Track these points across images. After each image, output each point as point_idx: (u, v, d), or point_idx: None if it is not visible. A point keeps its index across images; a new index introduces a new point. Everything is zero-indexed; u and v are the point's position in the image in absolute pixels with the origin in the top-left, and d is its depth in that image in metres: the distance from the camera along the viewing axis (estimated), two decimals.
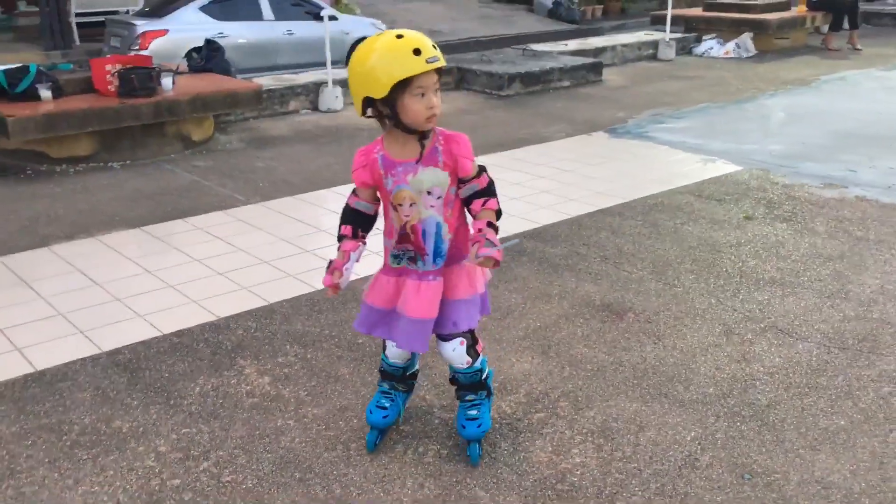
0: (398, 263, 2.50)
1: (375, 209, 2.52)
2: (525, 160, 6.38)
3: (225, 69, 7.60)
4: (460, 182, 2.42)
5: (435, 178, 2.38)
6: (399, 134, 2.36)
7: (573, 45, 11.03)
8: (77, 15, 12.49)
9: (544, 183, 5.78)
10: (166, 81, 6.44)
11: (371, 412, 2.74)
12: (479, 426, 2.66)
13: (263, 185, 5.77)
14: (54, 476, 2.64)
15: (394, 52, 2.21)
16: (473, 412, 2.67)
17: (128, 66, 6.34)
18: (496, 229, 2.37)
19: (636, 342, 3.50)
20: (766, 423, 2.92)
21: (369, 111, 2.35)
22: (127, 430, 2.89)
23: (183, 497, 2.55)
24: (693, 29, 12.22)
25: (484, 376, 2.69)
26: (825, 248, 4.54)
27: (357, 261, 2.47)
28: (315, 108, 8.18)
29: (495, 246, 2.29)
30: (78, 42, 12.25)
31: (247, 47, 9.78)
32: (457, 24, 16.79)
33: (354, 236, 2.49)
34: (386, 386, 2.79)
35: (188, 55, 8.18)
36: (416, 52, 2.20)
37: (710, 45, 11.65)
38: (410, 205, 2.41)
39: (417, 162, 2.36)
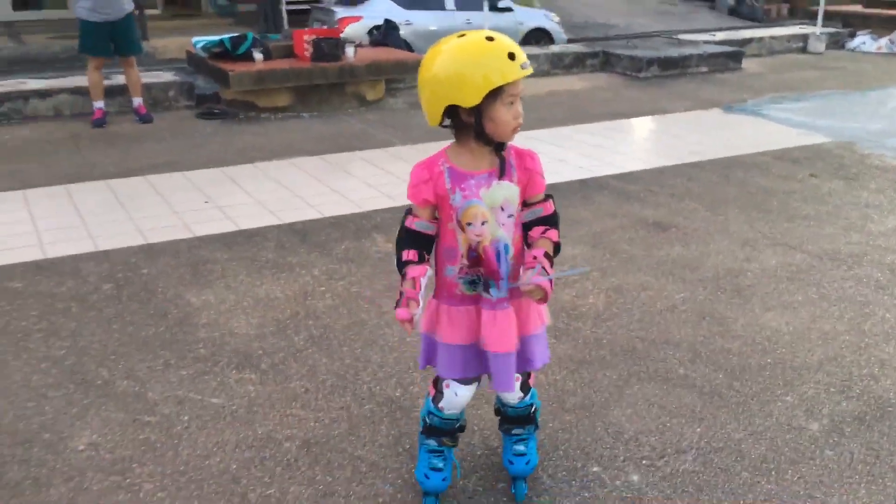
0: (474, 290, 2.23)
1: (435, 230, 2.25)
2: (638, 126, 7.43)
3: (398, 44, 9.11)
4: (525, 204, 2.22)
5: (509, 192, 2.16)
6: (473, 145, 2.15)
7: (721, 35, 11.76)
8: (287, 3, 14.58)
9: (645, 143, 6.82)
10: (350, 50, 8.04)
11: (427, 477, 2.46)
12: (527, 462, 2.53)
13: (415, 133, 7.19)
14: (253, 281, 4.12)
15: (489, 56, 1.99)
16: (521, 447, 2.54)
17: (320, 36, 7.98)
18: (552, 262, 2.17)
19: (667, 245, 4.58)
20: (740, 295, 3.95)
21: (447, 121, 2.13)
22: (295, 264, 4.34)
23: (325, 297, 3.95)
24: (850, 24, 12.52)
25: (533, 410, 2.55)
26: (868, 199, 5.34)
27: (425, 286, 2.19)
28: None
29: (549, 276, 2.11)
30: (287, 27, 14.32)
31: (429, 34, 11.28)
32: (633, 20, 17.50)
33: (421, 260, 2.22)
34: (434, 443, 2.48)
35: (370, 32, 9.80)
36: (511, 56, 1.99)
37: (862, 41, 11.96)
38: (483, 223, 2.16)
39: (491, 175, 2.15)
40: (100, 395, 3.08)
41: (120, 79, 7.60)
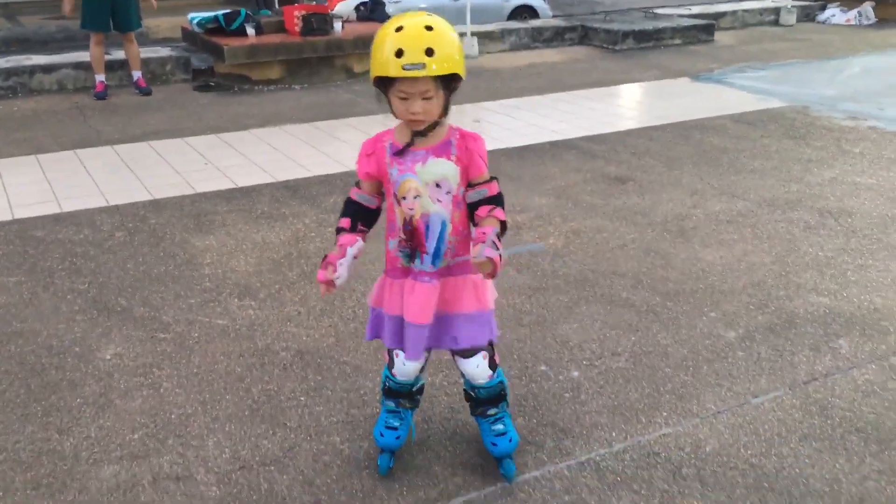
0: (410, 262, 2.31)
1: (377, 203, 2.35)
2: (609, 94, 7.90)
3: (384, 19, 9.54)
4: (470, 185, 2.26)
5: (445, 169, 2.21)
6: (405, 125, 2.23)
7: (697, 9, 12.19)
8: None
9: (615, 109, 7.30)
10: (337, 25, 8.47)
11: (382, 434, 2.56)
12: (509, 440, 2.54)
13: None
14: (251, 228, 4.60)
15: (380, 46, 2.06)
16: (499, 426, 2.55)
17: (310, 12, 8.41)
18: (500, 237, 2.19)
19: (624, 195, 5.07)
20: (682, 235, 4.45)
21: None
22: (288, 214, 4.82)
23: (315, 241, 4.43)
24: None
25: (502, 388, 2.56)
26: (811, 155, 5.84)
27: (354, 257, 2.29)
28: None
29: (498, 250, 2.10)
30: (277, 6, 14.70)
31: (558, 2, 11.53)
32: None
33: (353, 229, 2.32)
34: (392, 404, 2.58)
35: (357, 8, 10.21)
36: (398, 54, 2.01)
37: (832, 13, 12.42)
38: (415, 197, 2.23)
39: (428, 152, 2.21)
40: (120, 318, 3.57)
41: (120, 54, 8.03)
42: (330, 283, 2.22)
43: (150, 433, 2.79)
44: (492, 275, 2.11)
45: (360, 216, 2.35)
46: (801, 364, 3.19)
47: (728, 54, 10.01)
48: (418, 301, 2.28)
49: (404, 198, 2.25)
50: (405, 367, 2.48)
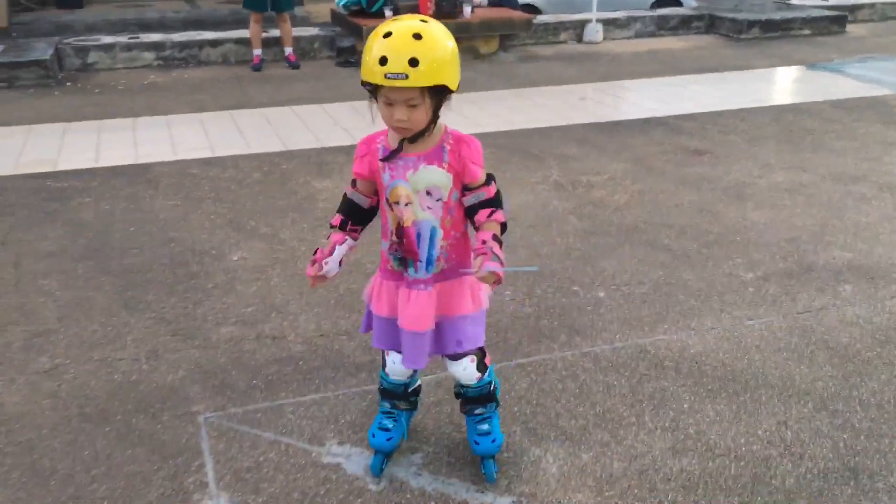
0: (400, 266, 2.31)
1: (372, 203, 2.33)
2: (717, 79, 8.25)
3: (514, 5, 10.23)
4: (465, 189, 2.23)
5: (436, 177, 2.19)
6: None
7: (834, 0, 12.11)
8: None
9: (717, 92, 7.67)
10: (467, 10, 9.24)
11: (374, 435, 2.57)
12: (492, 441, 2.54)
13: (516, 81, 8.32)
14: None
15: (368, 50, 2.02)
16: (485, 426, 2.55)
17: None
18: (501, 243, 2.17)
19: (697, 165, 5.55)
20: (739, 198, 4.91)
21: None
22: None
23: None
24: None
25: (492, 388, 2.57)
26: (888, 134, 6.07)
27: (344, 254, 2.31)
28: (580, 40, 10.53)
29: (500, 261, 2.10)
30: None
31: (557, 2, 12.14)
32: None
33: (343, 228, 2.32)
34: (387, 405, 2.61)
35: None
36: (383, 60, 1.98)
37: None
38: (406, 204, 2.21)
39: (419, 158, 2.18)
40: (248, 235, 4.49)
41: (276, 32, 9.13)
42: (316, 279, 2.28)
43: (258, 309, 3.65)
44: (496, 283, 2.10)
45: (354, 215, 2.34)
46: (802, 300, 3.67)
47: (855, 45, 10.02)
48: (415, 309, 2.27)
49: (396, 203, 2.23)
50: (395, 367, 2.49)
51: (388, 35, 2.00)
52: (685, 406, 2.91)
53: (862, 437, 2.72)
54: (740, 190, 5.06)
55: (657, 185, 5.16)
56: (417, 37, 1.99)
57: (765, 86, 8.00)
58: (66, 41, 8.94)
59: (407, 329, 2.29)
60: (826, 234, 4.38)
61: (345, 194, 2.37)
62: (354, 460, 2.64)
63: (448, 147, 2.20)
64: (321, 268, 2.26)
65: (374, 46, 2.00)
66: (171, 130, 6.47)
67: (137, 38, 9.18)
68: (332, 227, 2.36)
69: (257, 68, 8.76)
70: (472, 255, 2.16)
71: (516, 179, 5.27)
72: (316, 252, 2.30)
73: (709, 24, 11.03)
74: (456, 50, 2.08)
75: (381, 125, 2.21)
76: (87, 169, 5.51)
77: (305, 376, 3.14)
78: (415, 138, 2.16)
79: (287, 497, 2.49)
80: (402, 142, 2.18)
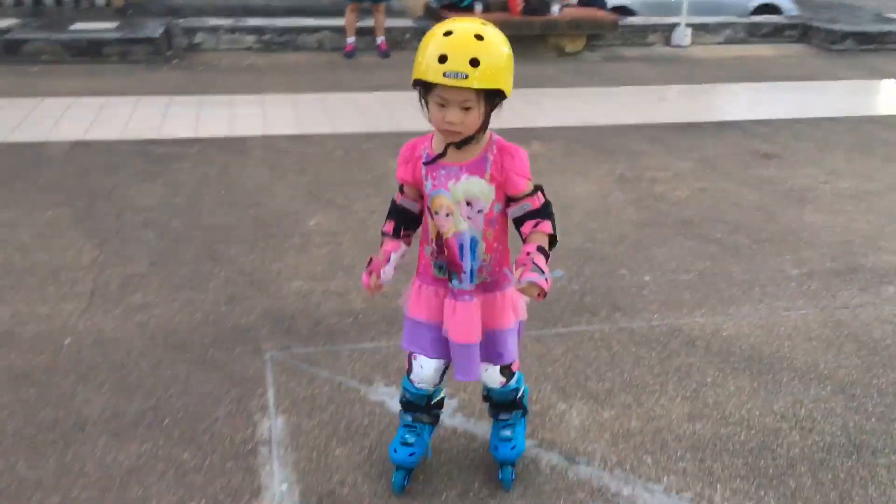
0: (442, 275, 2.28)
1: (421, 207, 2.28)
2: (799, 88, 8.26)
3: (602, 5, 10.38)
4: (510, 200, 2.19)
5: (477, 188, 2.15)
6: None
7: None
8: None
9: (796, 99, 7.68)
10: (555, 8, 9.46)
11: (395, 451, 2.50)
12: (512, 448, 2.51)
13: (597, 79, 8.50)
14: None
15: (424, 48, 1.99)
16: (507, 433, 2.53)
17: None
18: (547, 256, 2.13)
19: (763, 168, 5.66)
20: (799, 202, 5.02)
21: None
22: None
23: None
24: None
25: (519, 395, 2.52)
26: None
27: (398, 261, 2.29)
28: (667, 44, 10.60)
29: (544, 273, 2.07)
30: None
31: (652, 4, 12.18)
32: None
33: (396, 235, 2.29)
34: (409, 418, 2.54)
35: None
36: (442, 59, 1.94)
37: None
38: (447, 214, 2.18)
39: (461, 169, 2.14)
40: (325, 203, 4.86)
41: (370, 22, 9.55)
42: (374, 289, 2.26)
43: (327, 269, 4.01)
44: (541, 296, 2.07)
45: (405, 221, 2.30)
46: (842, 297, 3.80)
47: None
48: (463, 321, 2.24)
49: (437, 213, 2.19)
50: (422, 372, 2.40)
51: (448, 34, 1.96)
52: (708, 380, 3.11)
53: (873, 420, 2.88)
54: (802, 193, 5.16)
55: (720, 184, 5.30)
56: (479, 38, 1.97)
57: (848, 97, 7.96)
58: (175, 22, 9.58)
59: (459, 342, 2.26)
60: (881, 239, 4.46)
61: (393, 201, 2.32)
62: (397, 400, 2.94)
63: (491, 157, 2.13)
64: (379, 277, 2.24)
65: (432, 44, 1.97)
66: (264, 108, 6.93)
67: (241, 21, 9.74)
68: (384, 234, 2.31)
69: (350, 55, 9.19)
70: (515, 267, 2.12)
71: (583, 171, 5.50)
72: (371, 261, 2.26)
73: (802, 33, 10.94)
74: (512, 57, 2.04)
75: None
76: (186, 138, 6.01)
77: (363, 328, 3.47)
78: (462, 144, 2.10)
79: (335, 424, 2.82)
80: (447, 147, 2.12)
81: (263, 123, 6.48)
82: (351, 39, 9.22)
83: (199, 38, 9.43)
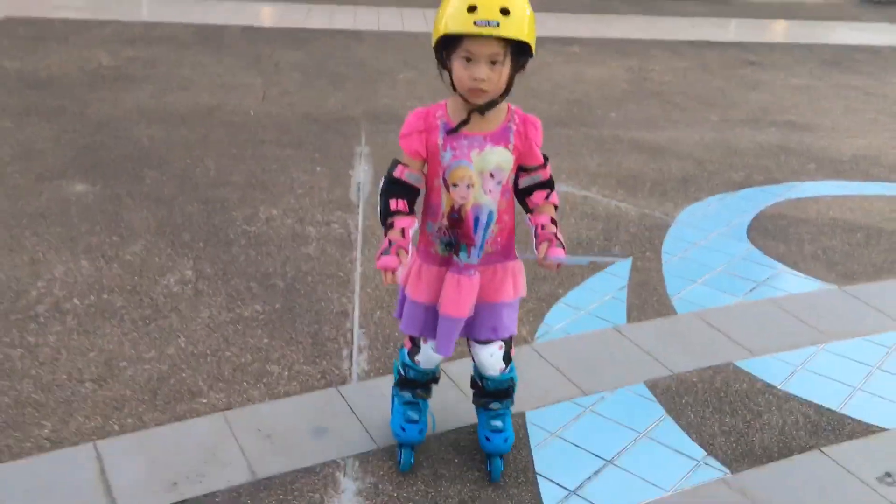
0: (448, 251, 2.15)
1: (423, 182, 2.14)
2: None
3: None
4: (522, 170, 2.13)
5: (502, 158, 2.05)
6: (459, 98, 2.01)
7: None
8: None
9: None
10: None
11: (403, 429, 2.41)
12: (505, 440, 2.41)
13: (640, 9, 10.37)
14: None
15: (447, 4, 1.89)
16: (498, 423, 2.42)
17: None
18: (557, 226, 2.13)
19: (742, 69, 7.52)
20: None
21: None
22: None
23: None
24: None
25: (511, 384, 2.41)
26: None
27: (411, 239, 2.10)
28: None
29: (564, 249, 2.07)
30: None
31: None
32: None
33: (410, 211, 2.12)
34: (408, 395, 2.44)
35: None
36: (471, 8, 1.83)
37: None
38: (468, 186, 2.05)
39: (486, 138, 2.04)
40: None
41: None
42: (395, 270, 2.04)
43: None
44: (558, 267, 2.12)
45: (410, 196, 2.14)
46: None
47: None
48: (461, 295, 2.14)
49: (456, 185, 2.07)
50: (434, 355, 2.30)
51: None
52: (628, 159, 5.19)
53: None
54: (757, 84, 7.05)
55: (701, 76, 7.24)
56: None
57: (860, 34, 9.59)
58: None
59: (450, 315, 2.15)
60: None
61: (395, 178, 2.11)
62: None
63: (514, 127, 2.07)
64: (408, 252, 2.08)
65: None
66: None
67: None
68: (393, 213, 2.11)
69: None
70: (534, 242, 2.12)
71: (602, 63, 7.51)
72: (390, 244, 2.06)
73: None
74: (534, 18, 1.96)
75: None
76: (323, 28, 8.40)
77: None
78: (486, 108, 2.01)
79: None
80: (470, 112, 2.02)
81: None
82: None
83: None
